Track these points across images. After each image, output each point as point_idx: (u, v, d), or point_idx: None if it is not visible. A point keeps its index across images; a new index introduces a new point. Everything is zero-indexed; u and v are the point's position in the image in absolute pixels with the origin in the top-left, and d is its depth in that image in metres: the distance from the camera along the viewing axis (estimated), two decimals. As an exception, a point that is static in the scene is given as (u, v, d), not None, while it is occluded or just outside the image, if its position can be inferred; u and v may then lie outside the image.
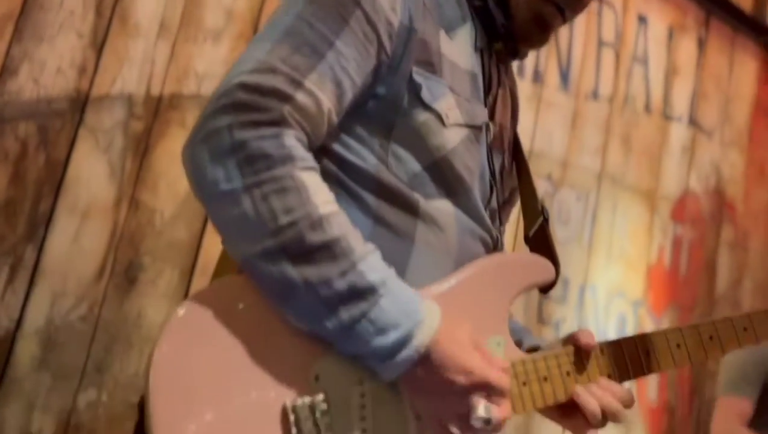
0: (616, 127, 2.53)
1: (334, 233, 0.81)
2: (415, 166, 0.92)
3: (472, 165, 0.96)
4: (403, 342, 0.81)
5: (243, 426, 0.79)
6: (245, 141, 0.80)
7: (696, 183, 2.79)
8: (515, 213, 1.13)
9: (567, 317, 2.36)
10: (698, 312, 2.78)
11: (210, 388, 0.79)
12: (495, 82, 1.04)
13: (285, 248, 0.79)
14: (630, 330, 2.55)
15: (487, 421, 0.82)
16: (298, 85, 0.84)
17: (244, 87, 0.82)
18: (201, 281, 1.69)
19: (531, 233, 1.07)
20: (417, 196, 0.92)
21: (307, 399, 0.81)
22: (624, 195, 2.55)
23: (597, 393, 0.95)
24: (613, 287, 2.52)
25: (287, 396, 0.81)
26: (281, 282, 0.80)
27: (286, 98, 0.83)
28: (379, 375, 0.84)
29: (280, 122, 0.82)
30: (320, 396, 0.82)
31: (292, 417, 0.81)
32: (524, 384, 0.93)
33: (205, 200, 0.83)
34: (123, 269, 1.61)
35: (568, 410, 0.96)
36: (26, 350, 1.49)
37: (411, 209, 0.92)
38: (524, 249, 1.08)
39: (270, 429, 0.80)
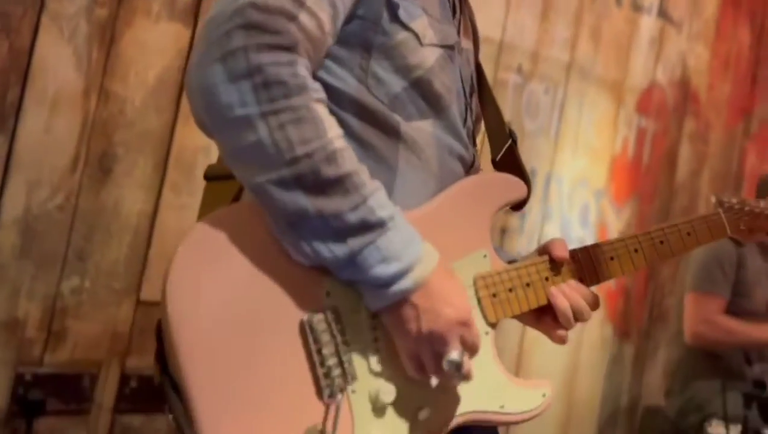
0: (586, 19, 2.53)
1: (348, 168, 0.84)
2: (395, 86, 0.94)
3: (449, 83, 0.99)
4: (402, 273, 0.85)
5: (264, 342, 0.84)
6: (262, 65, 0.80)
7: (662, 75, 2.82)
8: (479, 140, 1.16)
9: (532, 207, 2.45)
10: (658, 203, 2.89)
11: (227, 310, 0.83)
12: (458, 9, 1.06)
13: (299, 178, 0.82)
14: (592, 220, 2.65)
15: (458, 366, 0.86)
16: (300, 4, 0.84)
17: (255, 6, 0.82)
18: (175, 172, 1.71)
19: (498, 157, 1.11)
20: (397, 118, 0.95)
21: (321, 314, 0.87)
22: (591, 87, 2.58)
23: (567, 291, 1.02)
24: (577, 178, 2.60)
25: (303, 313, 0.86)
26: (293, 210, 0.83)
27: (292, 18, 0.83)
28: (367, 303, 0.88)
29: (292, 48, 0.83)
30: (333, 310, 0.88)
31: (309, 331, 0.86)
32: (510, 290, 1.00)
33: (216, 123, 0.83)
34: (97, 159, 1.61)
35: (540, 314, 1.04)
36: (6, 239, 1.51)
37: (392, 132, 0.94)
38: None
39: (290, 343, 0.85)
